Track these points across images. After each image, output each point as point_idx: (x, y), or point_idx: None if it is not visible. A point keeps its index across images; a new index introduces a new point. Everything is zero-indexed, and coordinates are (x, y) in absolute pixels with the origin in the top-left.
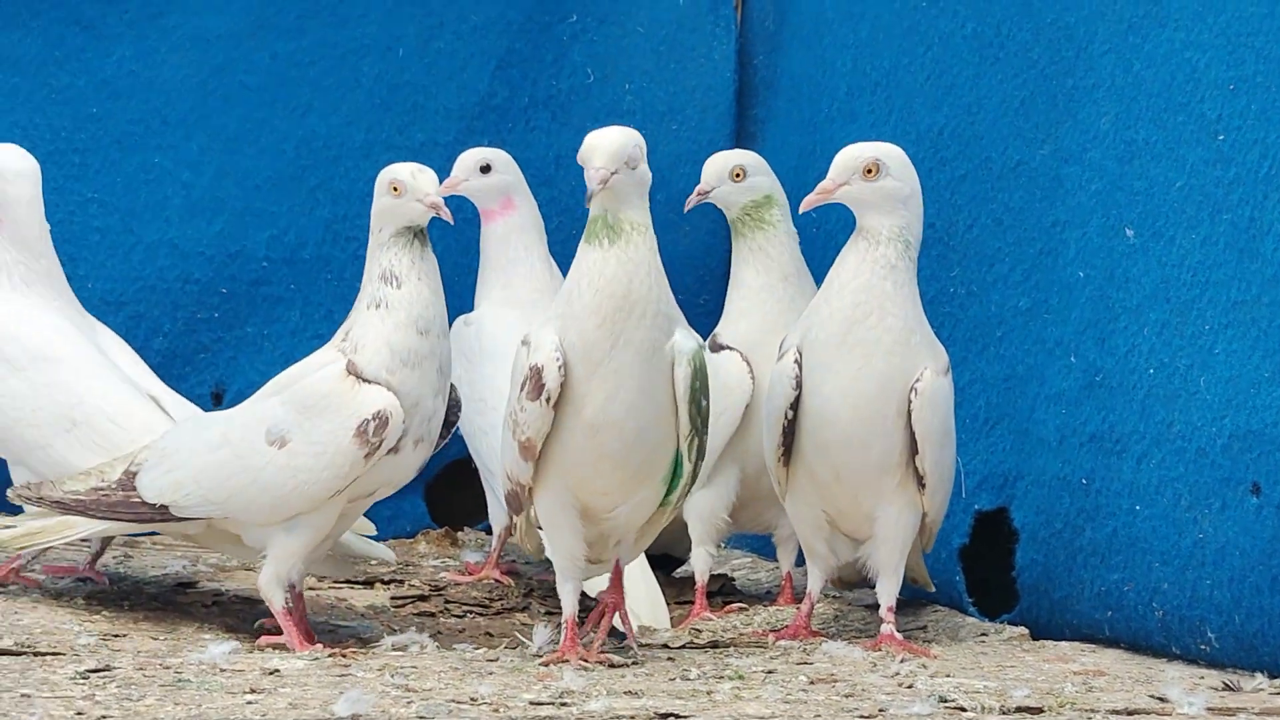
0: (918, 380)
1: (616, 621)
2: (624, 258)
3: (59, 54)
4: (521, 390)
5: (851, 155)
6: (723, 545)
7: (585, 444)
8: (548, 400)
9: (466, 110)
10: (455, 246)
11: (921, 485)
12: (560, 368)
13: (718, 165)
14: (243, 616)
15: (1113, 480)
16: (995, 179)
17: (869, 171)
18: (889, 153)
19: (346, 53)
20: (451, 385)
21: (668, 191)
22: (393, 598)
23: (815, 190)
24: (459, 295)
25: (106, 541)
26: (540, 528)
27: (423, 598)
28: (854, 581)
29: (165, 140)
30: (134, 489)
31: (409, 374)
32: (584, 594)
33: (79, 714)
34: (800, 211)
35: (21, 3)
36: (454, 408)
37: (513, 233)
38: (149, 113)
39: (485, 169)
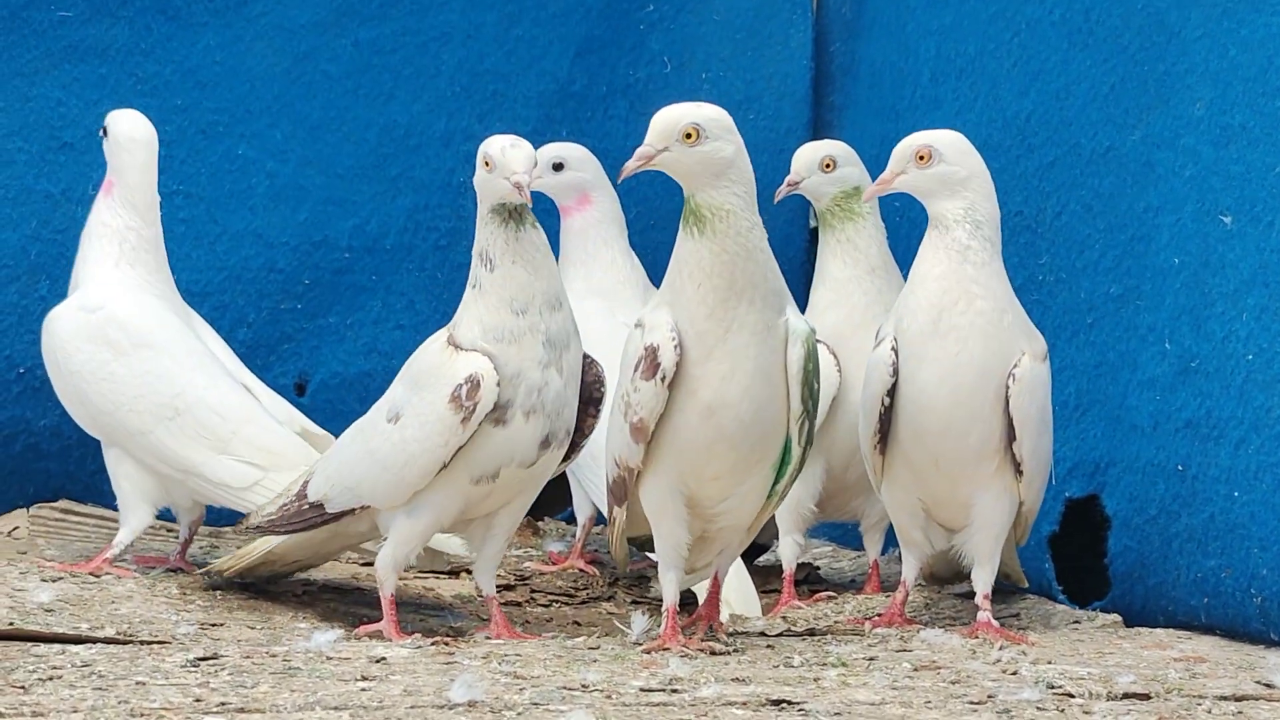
0: (1015, 366)
1: None
2: (716, 248)
3: (146, 44)
4: (635, 371)
5: (905, 144)
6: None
7: (701, 426)
8: (663, 380)
9: (546, 98)
10: None
11: (1019, 472)
12: (676, 347)
13: (808, 156)
14: (334, 606)
15: (1209, 466)
16: (1085, 165)
17: (921, 158)
18: (941, 138)
19: (428, 40)
20: (592, 360)
21: None
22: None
23: (875, 182)
24: None
25: (194, 531)
26: (630, 540)
27: (508, 587)
28: (946, 577)
29: (250, 129)
30: (305, 495)
31: (505, 348)
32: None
33: (198, 700)
34: (863, 201)
35: None
36: (596, 384)
37: (590, 227)
38: (234, 102)
39: (558, 167)
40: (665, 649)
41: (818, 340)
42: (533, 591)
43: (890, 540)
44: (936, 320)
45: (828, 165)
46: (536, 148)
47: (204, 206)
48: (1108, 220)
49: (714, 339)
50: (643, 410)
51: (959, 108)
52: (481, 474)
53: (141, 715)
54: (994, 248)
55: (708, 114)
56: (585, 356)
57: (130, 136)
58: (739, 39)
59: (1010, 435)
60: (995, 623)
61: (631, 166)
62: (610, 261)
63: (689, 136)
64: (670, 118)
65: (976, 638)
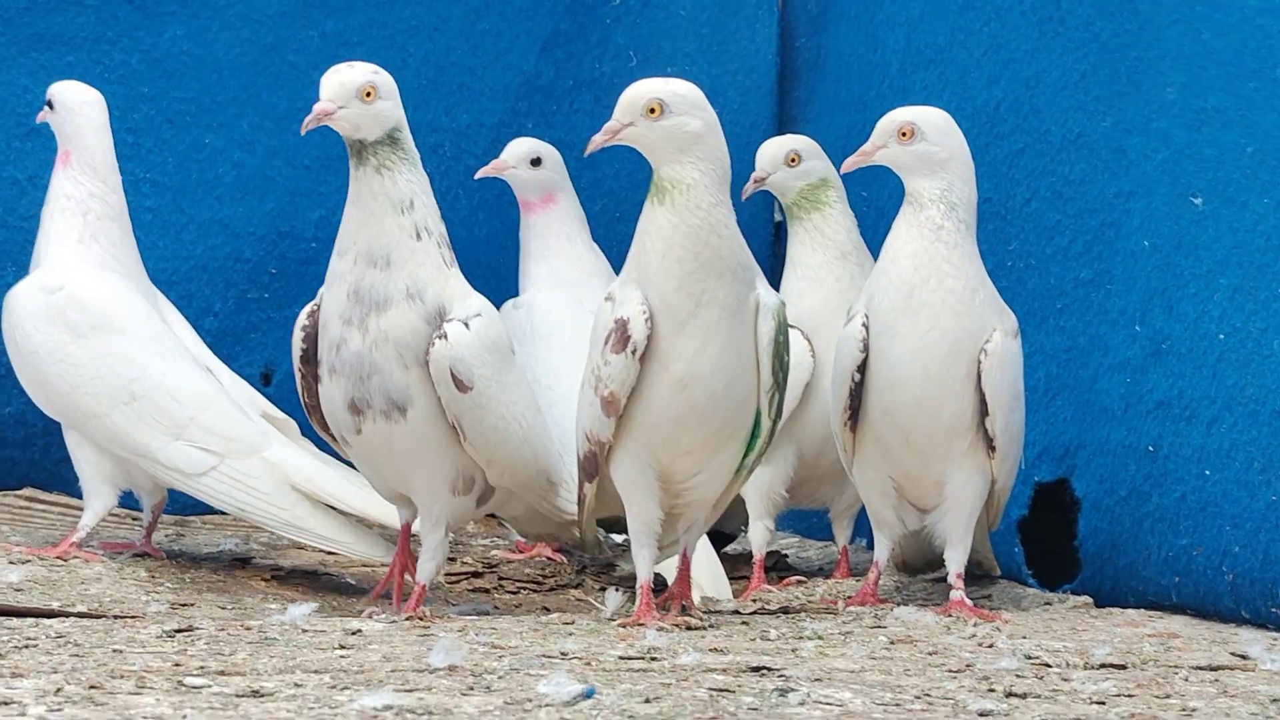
0: (987, 341)
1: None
2: (676, 220)
3: (113, 32)
4: (605, 344)
5: (890, 118)
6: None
7: (673, 399)
8: (634, 352)
9: (511, 91)
10: (501, 230)
11: (991, 449)
12: (647, 321)
13: (771, 151)
14: (302, 590)
15: (1181, 446)
16: (1055, 152)
17: (904, 134)
18: (925, 116)
19: (394, 33)
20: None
21: None
22: (446, 575)
23: (856, 153)
24: (504, 279)
25: (157, 515)
26: (599, 523)
27: (476, 574)
28: (918, 566)
29: (217, 119)
30: None
31: (325, 292)
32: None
33: (177, 665)
34: (841, 173)
35: None
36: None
37: (553, 223)
38: (201, 91)
39: (536, 162)
40: (640, 625)
41: (791, 326)
42: (500, 579)
43: (859, 529)
44: (908, 297)
45: (793, 160)
46: (506, 139)
47: (171, 196)
48: (1078, 206)
49: (685, 313)
50: (613, 384)
51: (927, 97)
52: (337, 428)
53: (122, 677)
54: (968, 229)
55: (674, 89)
56: None
57: (81, 99)
58: (704, 34)
59: (983, 411)
60: (969, 601)
61: (598, 140)
62: (575, 254)
63: (653, 111)
64: (636, 93)
65: (950, 615)
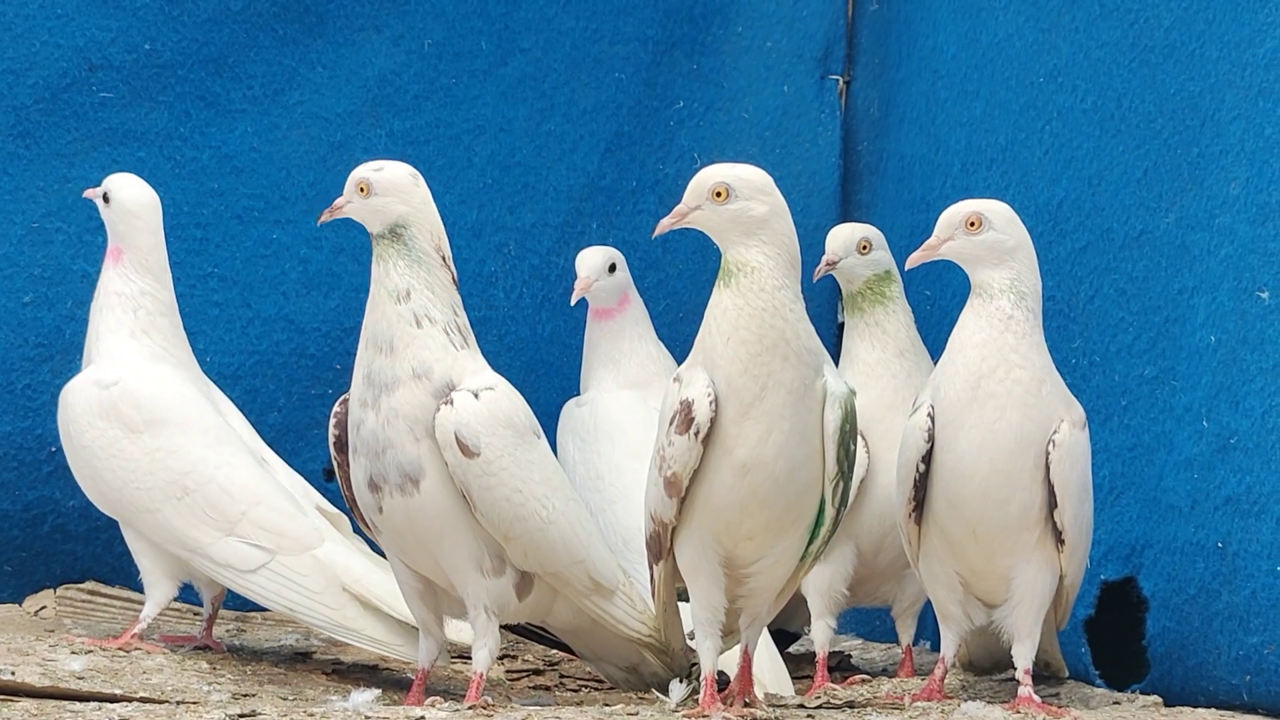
0: (1055, 433)
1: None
2: (741, 303)
3: (184, 129)
4: (670, 425)
5: (954, 211)
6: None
7: (735, 484)
8: (696, 434)
9: (575, 192)
10: (565, 328)
11: (1060, 542)
12: (712, 403)
13: (845, 236)
14: (362, 684)
15: (1251, 542)
16: (1118, 249)
17: (971, 225)
18: (991, 207)
19: (460, 132)
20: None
21: None
22: (507, 671)
23: (921, 247)
24: (567, 377)
25: (216, 609)
26: (667, 614)
27: (537, 672)
28: (985, 667)
29: (284, 215)
30: None
31: (353, 381)
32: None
33: None
34: (907, 268)
35: (150, 78)
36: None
37: (628, 326)
38: (269, 188)
39: (612, 268)
40: (705, 717)
41: None
42: (561, 676)
43: (922, 628)
44: (975, 388)
45: (864, 247)
46: (571, 239)
47: (237, 290)
48: (1141, 303)
49: (751, 396)
50: (676, 464)
51: (990, 196)
52: (365, 511)
53: None
54: (1035, 319)
55: (740, 174)
56: None
57: (138, 201)
58: (767, 136)
59: (1051, 503)
60: (1036, 698)
61: (666, 223)
62: (645, 355)
63: (719, 195)
64: (703, 178)
65: (1018, 712)
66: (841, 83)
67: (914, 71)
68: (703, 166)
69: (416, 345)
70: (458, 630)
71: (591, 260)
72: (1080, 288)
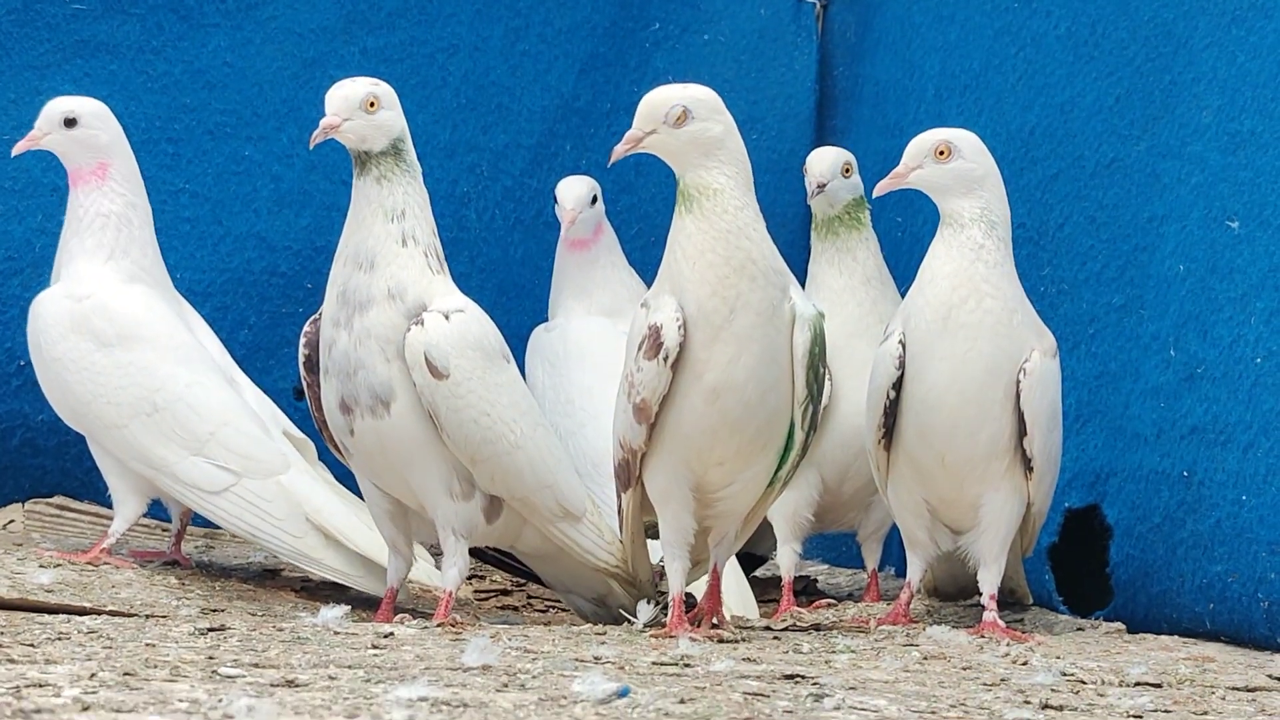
0: (1026, 361)
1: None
2: (705, 226)
3: (157, 42)
4: (639, 350)
5: (923, 139)
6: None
7: (706, 409)
8: (665, 359)
9: (549, 113)
10: (537, 251)
11: (1029, 470)
12: (680, 328)
13: (831, 159)
14: (330, 601)
15: (1216, 472)
16: (1088, 177)
17: (940, 153)
18: (960, 135)
19: (435, 51)
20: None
21: None
22: (475, 592)
23: (889, 174)
24: (539, 299)
25: (185, 524)
26: (633, 543)
27: (505, 592)
28: (950, 592)
29: (256, 131)
30: None
31: (325, 300)
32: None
33: (210, 658)
34: (875, 195)
35: None
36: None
37: (601, 255)
38: (241, 104)
39: (594, 200)
40: (672, 637)
41: None
42: (529, 597)
43: (888, 555)
44: (946, 318)
45: (847, 170)
46: (543, 160)
47: (209, 207)
48: (1111, 231)
49: (720, 319)
50: (645, 390)
51: (963, 122)
52: (337, 434)
53: (156, 666)
54: (1006, 248)
55: (694, 94)
56: None
57: (107, 111)
58: (743, 60)
59: (1021, 432)
60: (1001, 622)
61: (620, 150)
62: (618, 283)
63: (678, 119)
64: (656, 100)
65: (983, 636)
66: (818, 6)
67: None
68: None
69: (397, 265)
70: (425, 574)
71: (576, 191)
72: (1050, 215)
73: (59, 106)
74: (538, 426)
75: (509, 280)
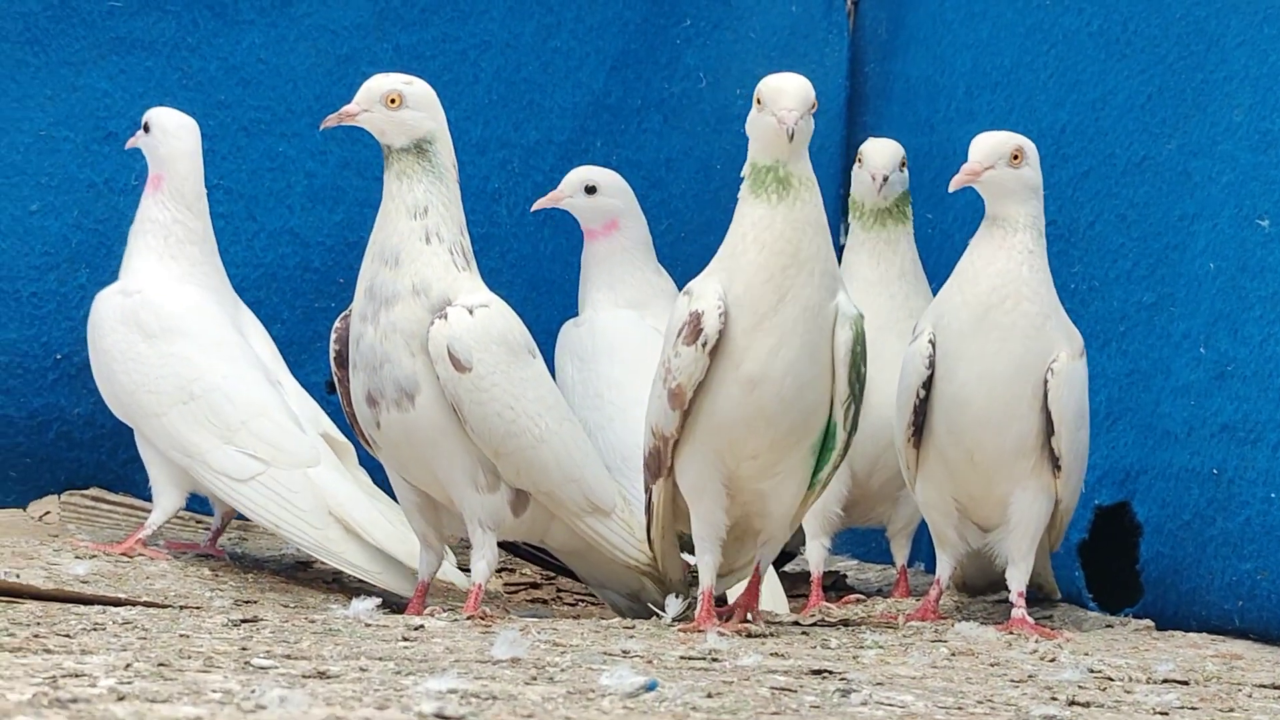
0: (1054, 361)
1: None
2: (792, 216)
3: (192, 39)
4: (678, 336)
5: (1000, 141)
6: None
7: (742, 399)
8: (704, 345)
9: (580, 109)
10: (567, 247)
11: (1056, 469)
12: (721, 315)
13: (891, 152)
14: (362, 594)
15: (1246, 469)
16: (1119, 175)
17: (1015, 158)
18: (1028, 143)
19: (467, 48)
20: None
21: None
22: (505, 585)
23: (963, 171)
24: (569, 295)
25: (226, 521)
26: (659, 542)
27: (535, 585)
28: (979, 587)
29: (290, 128)
30: None
31: (355, 296)
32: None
33: (243, 649)
34: (950, 191)
35: None
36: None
37: (616, 253)
38: (275, 100)
39: (590, 190)
40: (700, 631)
41: None
42: (559, 590)
43: (917, 551)
44: (981, 318)
45: (903, 164)
46: (575, 157)
47: (243, 203)
48: (1142, 229)
49: (766, 307)
50: (681, 375)
51: (993, 119)
52: (365, 428)
53: (189, 657)
54: (1046, 256)
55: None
56: None
57: (180, 125)
58: (774, 56)
59: (1048, 431)
60: (1030, 619)
61: (796, 127)
62: (640, 279)
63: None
64: (804, 91)
65: (1011, 633)
66: (850, 3)
67: None
68: (708, 85)
69: (421, 261)
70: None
71: (570, 177)
72: (1081, 213)
73: (151, 112)
74: (564, 421)
75: (540, 276)
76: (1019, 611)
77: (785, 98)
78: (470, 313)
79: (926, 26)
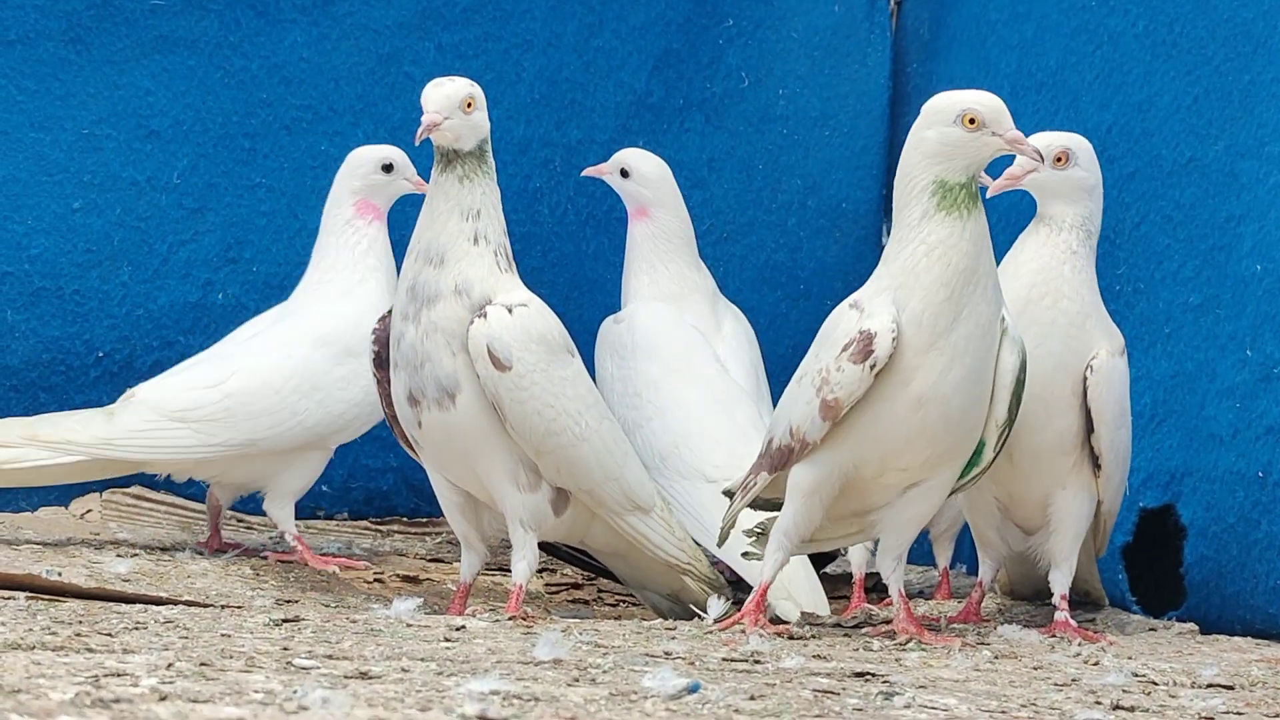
0: (1094, 359)
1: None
2: (976, 230)
3: (234, 38)
4: (844, 351)
5: (1042, 142)
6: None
7: (907, 416)
8: (873, 367)
9: (622, 109)
10: (608, 246)
11: (1097, 468)
12: (894, 339)
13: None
14: (404, 594)
15: None
16: (1166, 176)
17: (1059, 160)
18: (1078, 143)
19: (509, 47)
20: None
21: (819, 198)
22: (546, 585)
23: (1004, 175)
24: (610, 294)
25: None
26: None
27: (576, 586)
28: (1025, 594)
29: (332, 127)
30: None
31: (396, 296)
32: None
33: (285, 649)
34: (989, 196)
35: None
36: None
37: (647, 240)
38: (318, 99)
39: (624, 173)
40: (740, 624)
41: None
42: (600, 591)
43: (959, 552)
44: (1020, 313)
45: None
46: (612, 155)
47: (285, 201)
48: (1188, 230)
49: (944, 326)
50: (841, 391)
51: (1039, 120)
52: (407, 428)
53: (231, 657)
54: (1091, 256)
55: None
56: None
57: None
58: (816, 56)
59: (1088, 429)
60: (1073, 622)
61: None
62: (677, 273)
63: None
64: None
65: (1054, 635)
66: (892, 3)
67: None
68: (750, 85)
69: (466, 262)
70: None
71: (616, 155)
72: (1127, 214)
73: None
74: (603, 420)
75: (581, 275)
76: (1062, 615)
77: (1009, 119)
78: (509, 311)
79: (970, 27)
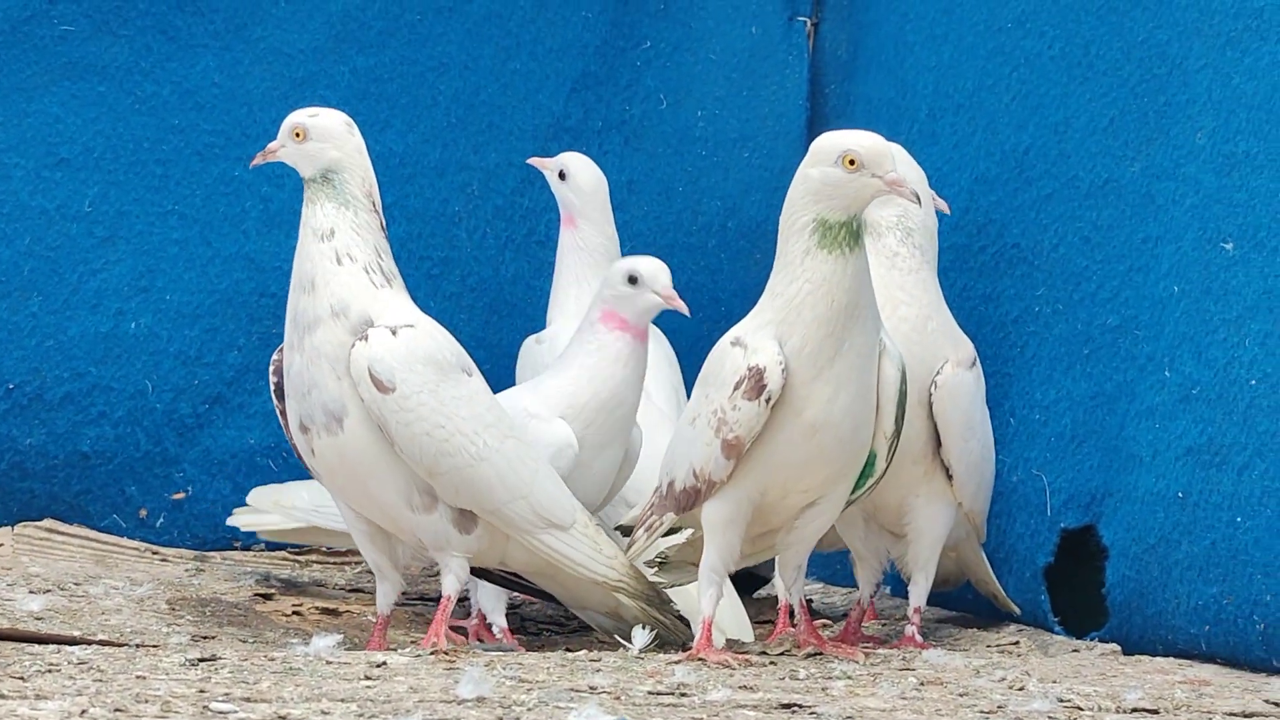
0: (938, 374)
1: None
2: (858, 266)
3: (145, 63)
4: (736, 389)
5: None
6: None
7: (802, 444)
8: (768, 401)
9: (540, 131)
10: (528, 269)
11: (950, 477)
12: (783, 371)
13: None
14: (323, 628)
15: (1211, 493)
16: (1083, 197)
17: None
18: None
19: (425, 70)
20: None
21: (739, 219)
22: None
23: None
24: (531, 317)
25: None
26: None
27: (513, 606)
28: (960, 580)
29: (246, 152)
30: None
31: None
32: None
33: (201, 691)
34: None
35: (111, 10)
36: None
37: (576, 251)
38: (231, 125)
39: (562, 175)
40: (699, 659)
41: None
42: (523, 620)
43: (887, 577)
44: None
45: None
46: (535, 180)
47: (198, 228)
48: (1106, 252)
49: (825, 359)
50: (740, 429)
51: (956, 141)
52: (304, 456)
53: (146, 701)
54: (923, 255)
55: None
56: None
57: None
58: (734, 78)
59: (937, 441)
60: (919, 637)
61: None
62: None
63: (851, 163)
64: (881, 147)
65: (897, 650)
66: (810, 24)
67: (882, 14)
68: (668, 107)
69: (335, 283)
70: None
71: (562, 155)
72: (1045, 235)
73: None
74: (506, 438)
75: (500, 299)
76: (911, 629)
77: (889, 161)
78: (394, 333)
79: (888, 48)
